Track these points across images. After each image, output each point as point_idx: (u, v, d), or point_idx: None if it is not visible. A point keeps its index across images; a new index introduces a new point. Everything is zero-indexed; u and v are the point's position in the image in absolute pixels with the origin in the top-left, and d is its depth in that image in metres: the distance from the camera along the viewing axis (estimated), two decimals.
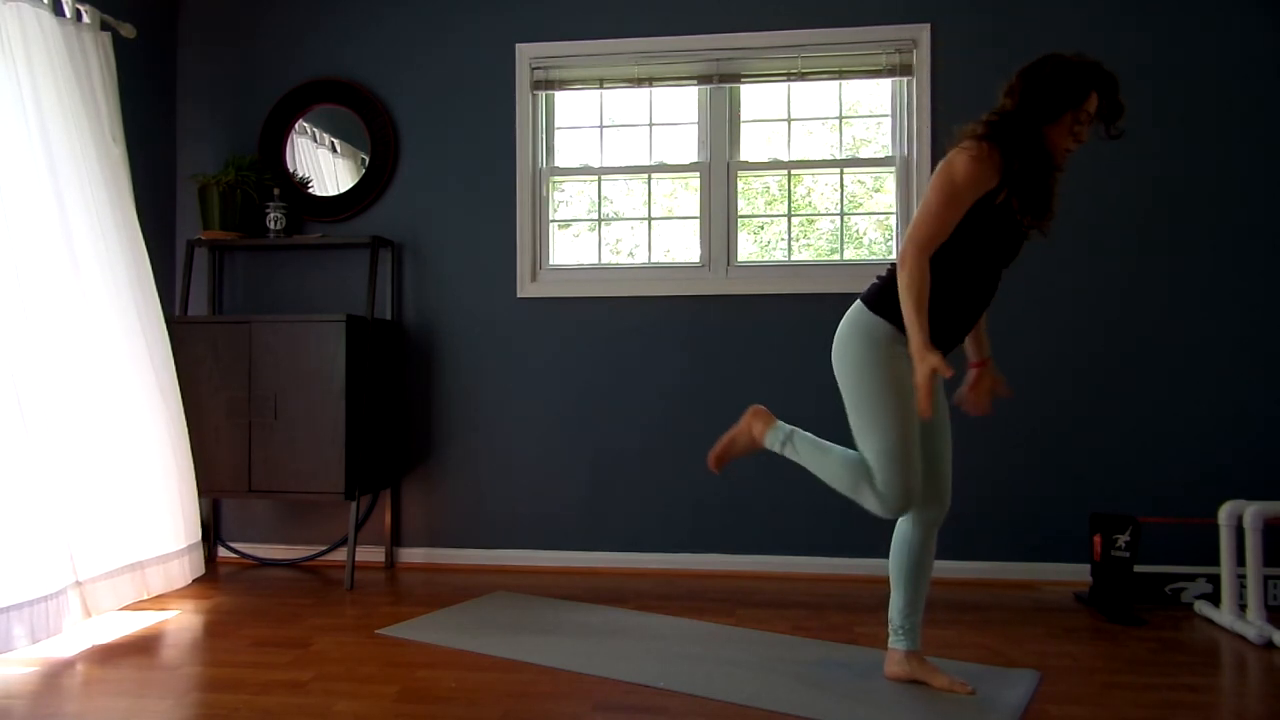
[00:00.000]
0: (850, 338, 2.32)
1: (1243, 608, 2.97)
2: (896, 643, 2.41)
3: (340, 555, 3.93)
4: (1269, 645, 2.80)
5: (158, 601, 3.27)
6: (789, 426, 2.47)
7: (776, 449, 2.45)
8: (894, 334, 2.25)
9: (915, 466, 2.25)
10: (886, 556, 3.38)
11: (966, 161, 2.16)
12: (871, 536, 3.66)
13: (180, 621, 3.06)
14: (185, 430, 3.49)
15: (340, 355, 3.51)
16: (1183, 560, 3.34)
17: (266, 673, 2.51)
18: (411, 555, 3.93)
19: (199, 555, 3.56)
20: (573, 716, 2.21)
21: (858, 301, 2.35)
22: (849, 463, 2.33)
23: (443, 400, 3.94)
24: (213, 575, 3.73)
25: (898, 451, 2.23)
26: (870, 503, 2.30)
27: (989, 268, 2.29)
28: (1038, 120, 2.20)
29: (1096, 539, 3.21)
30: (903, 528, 2.40)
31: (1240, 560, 2.98)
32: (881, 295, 2.29)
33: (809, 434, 2.45)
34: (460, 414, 3.92)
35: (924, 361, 2.13)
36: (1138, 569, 3.22)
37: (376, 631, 2.90)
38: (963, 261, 2.24)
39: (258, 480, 3.55)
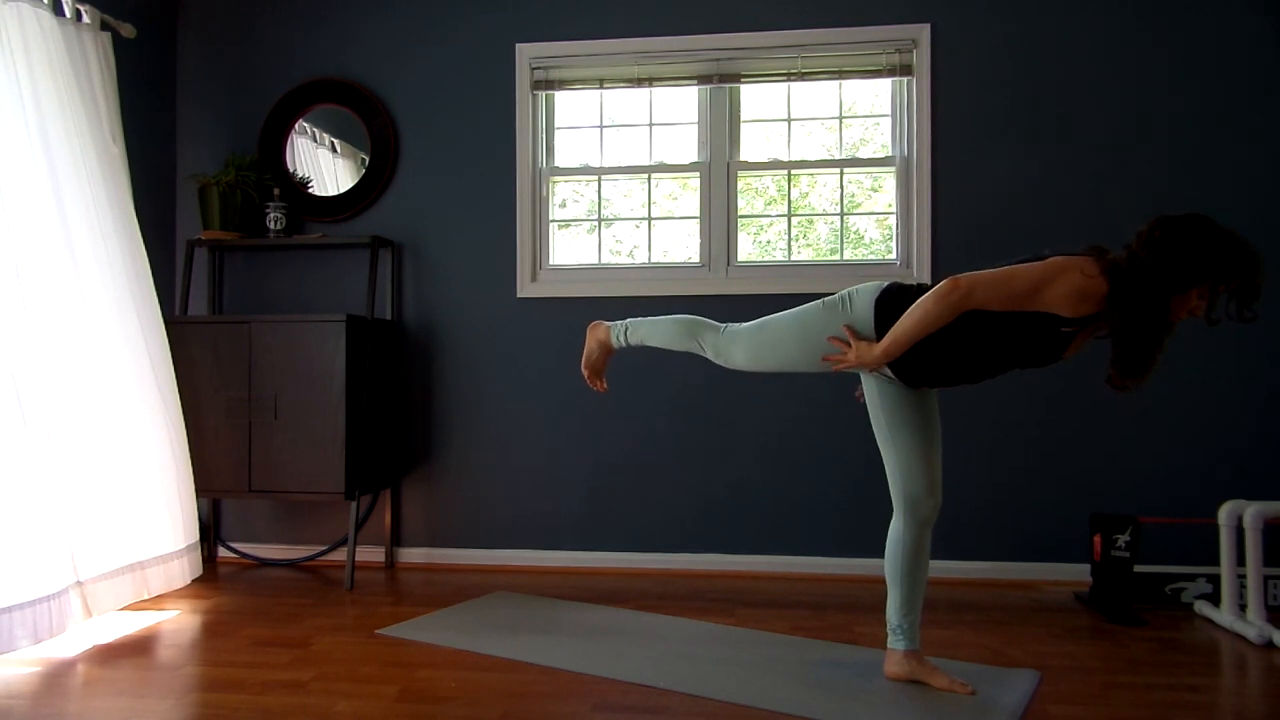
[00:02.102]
0: (846, 302, 2.33)
1: (1243, 608, 2.97)
2: (895, 642, 2.41)
3: (340, 555, 3.93)
4: (1269, 645, 2.80)
5: (158, 601, 3.27)
6: (620, 322, 2.67)
7: (624, 344, 2.66)
8: (871, 334, 2.28)
9: (767, 367, 2.47)
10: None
11: (1076, 285, 2.06)
12: (871, 536, 3.65)
13: (181, 621, 3.06)
14: (184, 430, 3.49)
15: (340, 355, 3.51)
16: (1183, 560, 3.34)
17: (266, 673, 2.51)
18: (411, 555, 3.93)
19: (197, 555, 3.55)
20: (572, 716, 2.21)
21: (884, 290, 2.31)
22: (682, 321, 2.57)
23: (443, 400, 3.94)
24: (213, 575, 3.73)
25: (768, 355, 2.43)
26: (708, 344, 2.52)
27: (1004, 360, 2.25)
28: (1166, 288, 2.05)
29: (1096, 539, 3.22)
30: (896, 527, 2.39)
31: (1240, 560, 2.98)
32: (895, 301, 2.27)
33: (636, 319, 2.66)
34: (460, 414, 3.92)
35: (871, 356, 2.22)
36: (1138, 569, 3.22)
37: (376, 631, 2.90)
38: (985, 339, 2.19)
39: (258, 480, 3.55)
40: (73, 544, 2.96)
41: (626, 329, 2.64)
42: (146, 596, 3.24)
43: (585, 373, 2.73)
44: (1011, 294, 2.10)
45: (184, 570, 3.44)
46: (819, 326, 2.35)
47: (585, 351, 2.72)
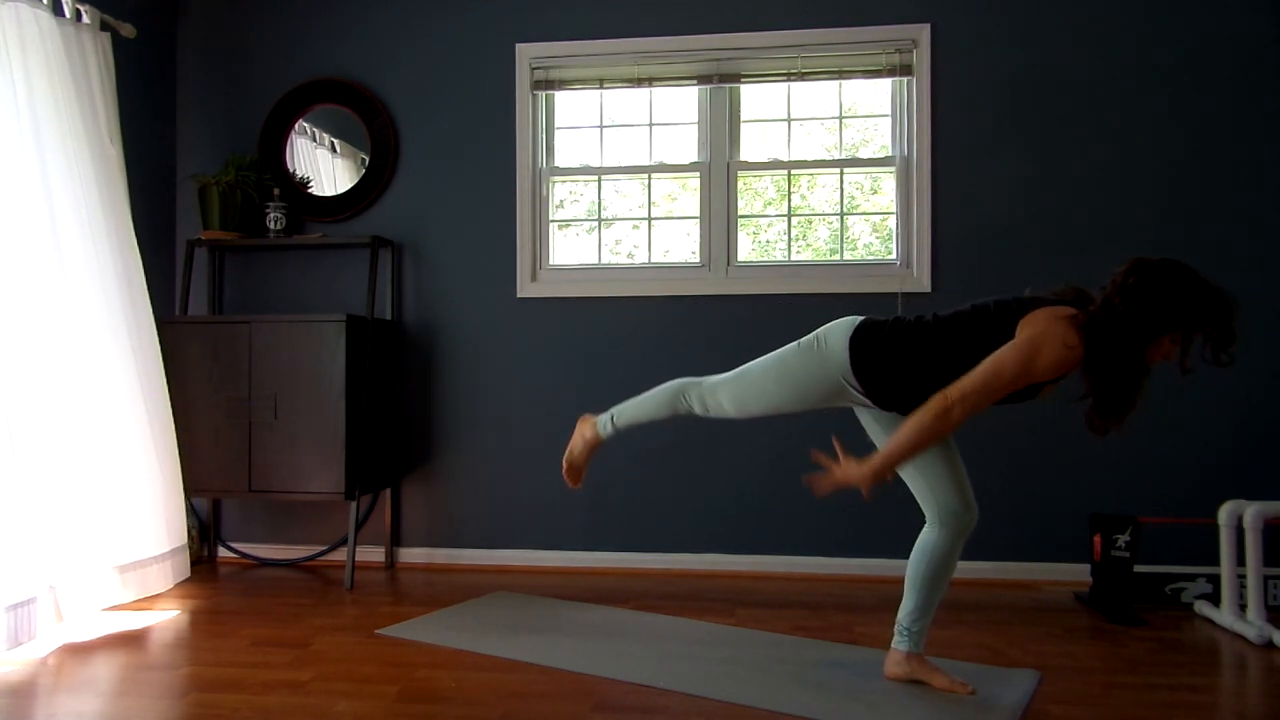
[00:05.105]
0: (821, 341, 2.36)
1: (1243, 608, 2.97)
2: (900, 644, 2.41)
3: (340, 555, 3.93)
4: (1269, 645, 2.80)
5: (156, 601, 3.27)
6: (605, 413, 2.67)
7: (611, 432, 2.67)
8: (847, 371, 2.30)
9: (752, 412, 2.48)
10: (887, 557, 3.38)
11: (1059, 353, 2.07)
12: (871, 536, 3.66)
13: (180, 621, 3.06)
14: (173, 434, 3.47)
15: (340, 355, 3.51)
16: (1183, 560, 3.34)
17: (266, 673, 2.51)
18: (411, 555, 3.93)
19: (183, 559, 3.53)
20: (572, 716, 2.21)
21: (856, 329, 2.32)
22: (664, 390, 2.60)
23: (443, 400, 3.94)
24: (213, 575, 3.73)
25: (752, 401, 2.45)
26: (694, 400, 2.54)
27: None
28: (1141, 337, 2.07)
29: (1096, 539, 3.22)
30: (931, 537, 2.36)
31: (1240, 560, 2.98)
32: (868, 337, 2.29)
33: (620, 404, 2.66)
34: (460, 414, 3.92)
35: (859, 474, 2.20)
36: (1138, 569, 3.22)
37: (376, 631, 2.90)
38: (959, 370, 2.19)
39: (258, 480, 3.55)
40: (51, 547, 2.93)
41: (612, 416, 2.66)
42: (127, 600, 3.21)
43: (564, 467, 2.74)
44: (1001, 388, 2.11)
45: (168, 574, 3.41)
46: (796, 367, 2.38)
47: (569, 447, 2.73)
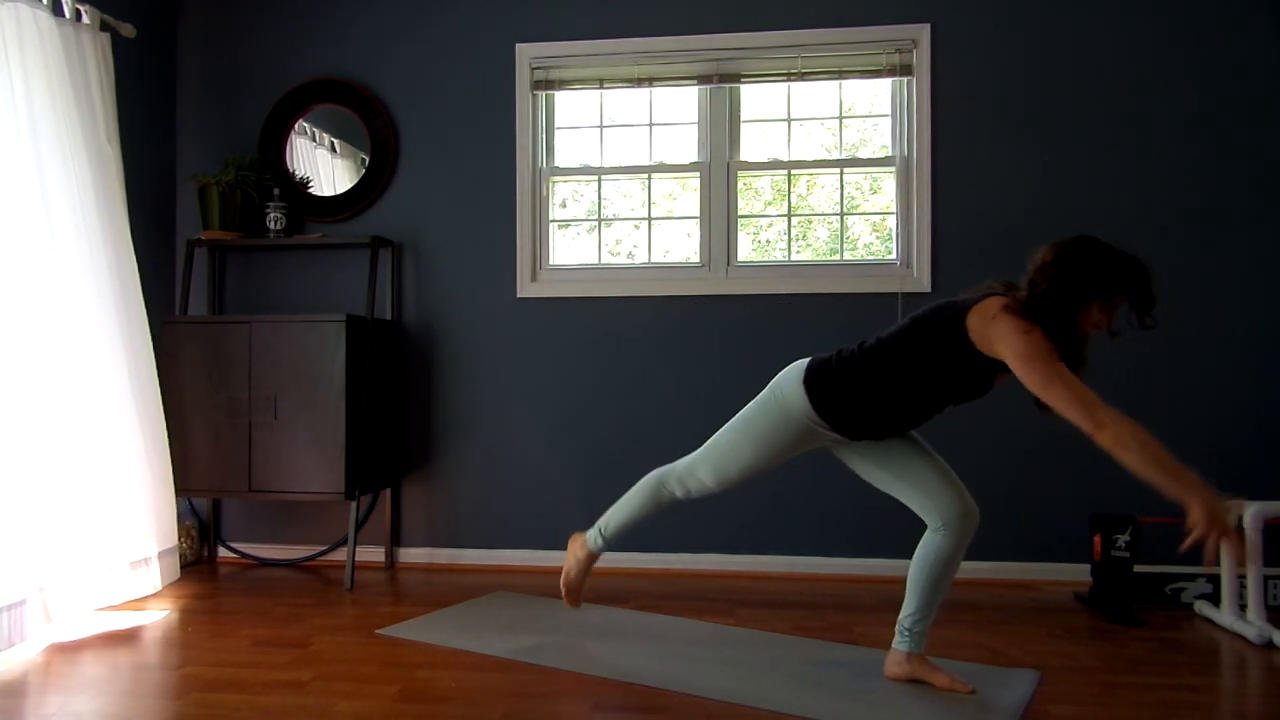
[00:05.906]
0: (777, 392, 2.42)
1: (1243, 608, 2.97)
2: (900, 644, 2.41)
3: (340, 555, 3.93)
4: (1269, 645, 2.80)
5: (151, 602, 3.27)
6: (593, 527, 2.74)
7: (603, 544, 2.73)
8: (810, 413, 2.36)
9: (733, 479, 2.53)
10: (887, 557, 3.38)
11: (1035, 338, 2.12)
12: (871, 536, 3.66)
13: (178, 621, 3.06)
14: (164, 435, 3.46)
15: (340, 355, 3.51)
16: (1183, 560, 3.33)
17: (266, 673, 2.51)
18: (411, 555, 3.93)
19: (174, 560, 3.53)
20: (572, 716, 2.21)
21: (807, 371, 2.38)
22: (645, 486, 2.66)
23: (443, 400, 3.94)
24: (213, 575, 3.73)
25: (730, 467, 2.51)
26: (675, 484, 2.61)
27: (939, 399, 2.32)
28: (1067, 309, 2.16)
29: (1096, 539, 3.22)
30: (935, 541, 2.36)
31: (1240, 560, 2.98)
32: (821, 375, 2.35)
33: (605, 515, 2.73)
34: (460, 414, 3.92)
35: (1217, 506, 2.04)
36: (1138, 569, 3.22)
37: (376, 631, 2.90)
38: (916, 383, 2.27)
39: (258, 480, 3.55)
40: (41, 549, 2.92)
41: (600, 529, 2.72)
42: (118, 602, 3.19)
43: (562, 590, 2.78)
44: (1061, 374, 2.12)
45: (159, 574, 3.40)
46: (761, 424, 2.45)
47: (564, 570, 2.78)
